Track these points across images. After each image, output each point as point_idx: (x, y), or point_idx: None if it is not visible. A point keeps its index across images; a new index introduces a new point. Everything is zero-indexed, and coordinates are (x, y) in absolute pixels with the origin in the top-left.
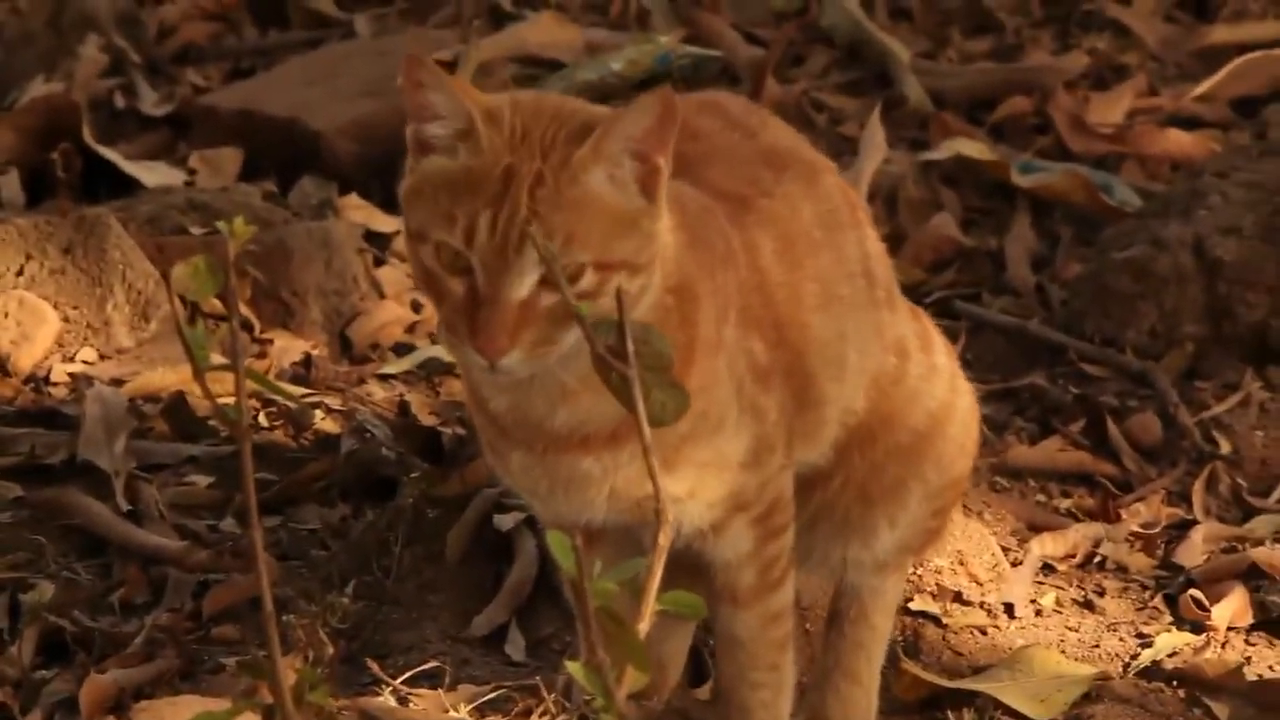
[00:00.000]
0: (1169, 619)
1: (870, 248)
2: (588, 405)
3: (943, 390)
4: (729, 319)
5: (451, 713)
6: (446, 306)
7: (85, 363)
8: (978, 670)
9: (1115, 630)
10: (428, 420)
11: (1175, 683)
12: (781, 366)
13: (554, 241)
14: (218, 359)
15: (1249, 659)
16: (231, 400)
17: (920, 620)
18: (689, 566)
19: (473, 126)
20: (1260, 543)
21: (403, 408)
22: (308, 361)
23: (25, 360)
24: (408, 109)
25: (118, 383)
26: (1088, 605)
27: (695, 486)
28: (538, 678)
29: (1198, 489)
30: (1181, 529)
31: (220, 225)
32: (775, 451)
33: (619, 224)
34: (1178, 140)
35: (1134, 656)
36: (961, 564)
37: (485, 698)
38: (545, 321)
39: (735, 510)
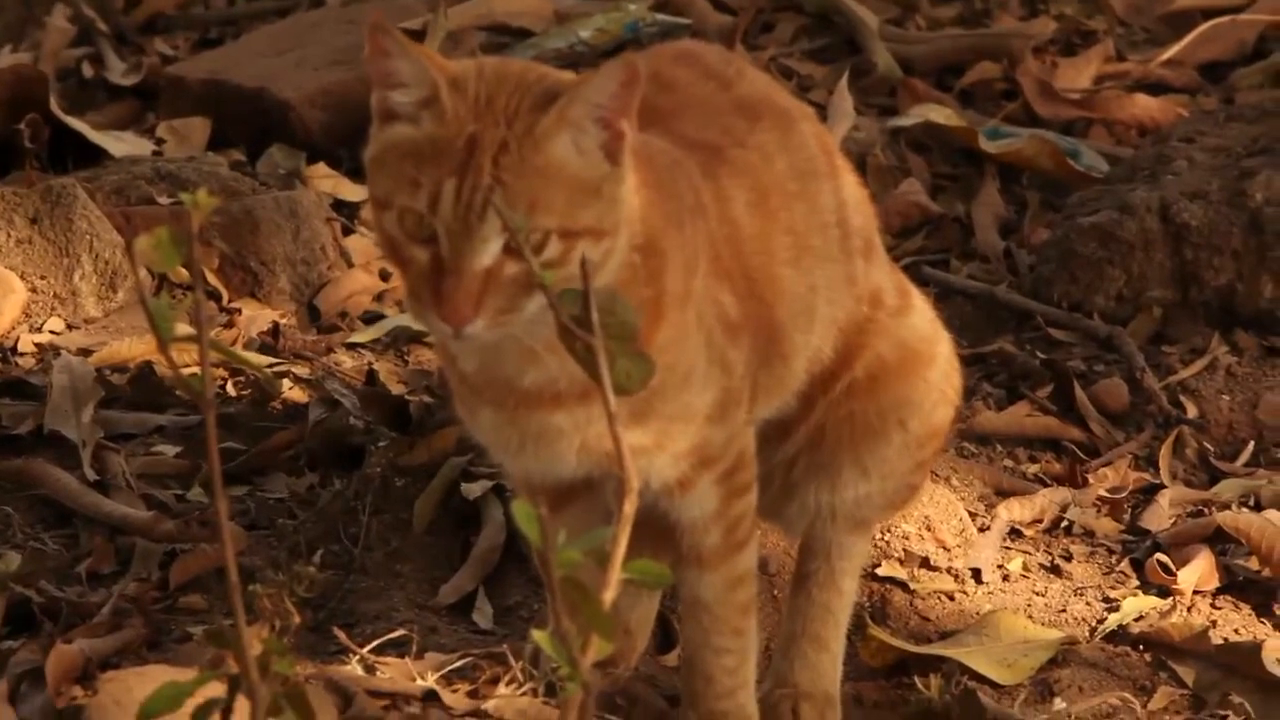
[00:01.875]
0: (1135, 583)
1: (847, 196)
2: (556, 367)
3: (924, 326)
4: (698, 270)
5: (419, 681)
6: (411, 274)
7: (52, 333)
8: (945, 635)
9: (1082, 595)
10: (396, 389)
11: (1141, 646)
12: (751, 320)
13: (518, 209)
14: (185, 329)
15: (1215, 622)
16: (197, 370)
17: (887, 586)
18: (654, 534)
19: (437, 94)
20: (1226, 507)
21: (370, 376)
22: (275, 331)
23: None
24: (372, 76)
25: (85, 353)
26: (1054, 570)
27: (662, 439)
28: (505, 646)
29: (1164, 453)
30: (1148, 493)
31: (184, 197)
32: (740, 405)
33: (583, 190)
34: (1145, 105)
35: (1100, 621)
36: (929, 529)
37: (453, 666)
38: (509, 289)
39: (701, 466)
